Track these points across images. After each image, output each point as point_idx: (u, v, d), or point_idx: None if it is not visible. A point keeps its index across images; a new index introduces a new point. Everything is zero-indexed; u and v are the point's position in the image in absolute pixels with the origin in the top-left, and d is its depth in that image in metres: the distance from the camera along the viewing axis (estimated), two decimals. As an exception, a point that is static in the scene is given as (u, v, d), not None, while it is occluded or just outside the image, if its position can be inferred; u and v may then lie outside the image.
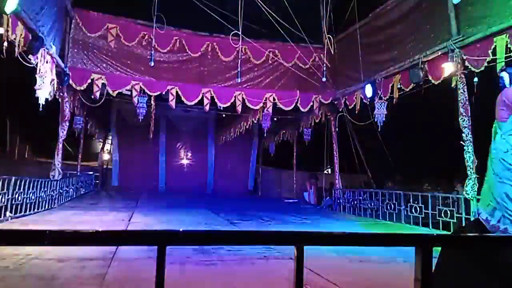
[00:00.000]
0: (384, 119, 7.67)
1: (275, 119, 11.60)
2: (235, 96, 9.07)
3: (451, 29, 5.97)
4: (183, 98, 8.83)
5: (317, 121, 10.59)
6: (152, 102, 10.70)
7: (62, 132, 8.02)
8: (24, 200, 6.06)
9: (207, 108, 9.22)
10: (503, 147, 3.49)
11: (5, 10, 4.77)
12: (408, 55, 6.90)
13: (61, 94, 7.95)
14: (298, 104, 9.43)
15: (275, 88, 9.43)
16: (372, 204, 8.11)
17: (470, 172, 5.58)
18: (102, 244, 1.11)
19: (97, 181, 13.45)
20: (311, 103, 9.53)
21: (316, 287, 2.84)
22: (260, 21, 8.48)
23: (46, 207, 7.05)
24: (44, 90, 6.35)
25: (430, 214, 6.39)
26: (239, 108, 9.32)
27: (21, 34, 5.52)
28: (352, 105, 8.74)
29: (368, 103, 8.05)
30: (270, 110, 9.54)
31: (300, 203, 11.61)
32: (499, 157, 3.48)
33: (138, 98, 8.69)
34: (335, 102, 9.51)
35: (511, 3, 5.10)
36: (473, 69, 5.60)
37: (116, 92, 8.53)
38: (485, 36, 5.40)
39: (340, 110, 9.41)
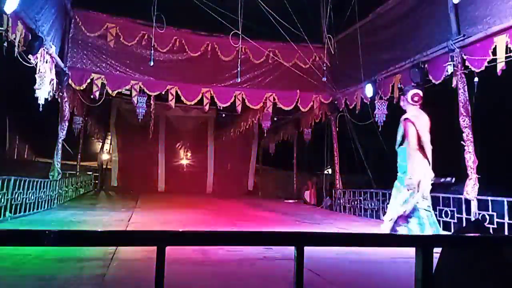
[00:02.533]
0: (384, 118, 7.67)
1: (275, 119, 11.60)
2: (235, 96, 9.07)
3: (451, 29, 5.96)
4: (182, 98, 8.83)
5: (317, 121, 10.57)
6: (152, 102, 10.69)
7: (62, 132, 8.01)
8: (24, 200, 6.06)
9: (206, 108, 9.22)
10: None
11: (5, 10, 4.76)
12: (408, 55, 6.90)
13: (61, 94, 7.94)
14: (298, 104, 9.42)
15: (275, 88, 9.42)
16: (373, 204, 8.11)
17: (471, 172, 5.58)
18: (102, 244, 1.11)
19: (97, 181, 13.45)
20: (311, 103, 9.53)
21: (316, 287, 2.83)
22: (260, 21, 8.46)
23: (46, 207, 7.05)
24: (44, 90, 6.34)
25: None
26: (239, 108, 9.32)
27: (20, 34, 5.51)
28: (353, 105, 8.74)
29: (368, 103, 8.05)
30: (270, 110, 9.54)
31: (300, 203, 11.60)
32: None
33: (137, 98, 8.68)
34: (335, 102, 9.51)
35: (511, 3, 5.10)
36: (473, 69, 5.60)
37: (116, 92, 8.53)
38: (485, 36, 5.39)
39: (340, 110, 9.41)
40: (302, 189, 12.31)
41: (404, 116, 4.55)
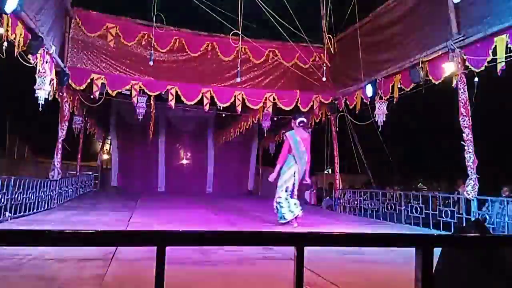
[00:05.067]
0: (384, 119, 7.66)
1: (275, 119, 11.60)
2: (235, 96, 9.06)
3: (451, 29, 5.96)
4: (182, 98, 8.81)
5: (317, 121, 10.57)
6: (152, 102, 10.69)
7: (62, 132, 8.01)
8: (24, 200, 6.06)
9: (206, 108, 9.20)
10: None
11: (5, 10, 4.76)
12: (408, 55, 6.89)
13: (61, 94, 7.94)
14: (298, 104, 9.41)
15: (275, 88, 9.41)
16: (373, 204, 8.11)
17: (471, 172, 5.58)
18: (102, 245, 1.10)
19: (97, 181, 13.44)
20: (311, 103, 9.51)
21: (316, 287, 2.83)
22: (260, 21, 8.46)
23: (46, 207, 7.05)
24: (44, 90, 6.34)
25: (430, 215, 6.39)
26: (239, 108, 9.30)
27: (20, 34, 5.51)
28: (353, 105, 8.74)
29: (368, 103, 8.04)
30: (270, 110, 9.53)
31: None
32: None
33: (137, 98, 8.68)
34: (335, 102, 9.50)
35: (511, 3, 5.10)
36: (473, 69, 5.60)
37: (116, 92, 8.51)
38: (485, 36, 5.39)
39: (341, 110, 9.41)
40: (302, 189, 12.30)
41: (286, 133, 6.47)
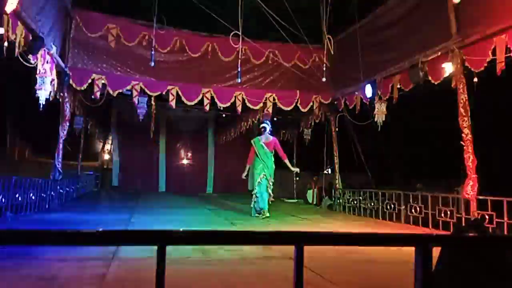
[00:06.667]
0: (384, 119, 7.66)
1: (275, 119, 11.60)
2: (235, 96, 9.06)
3: (451, 29, 5.96)
4: (183, 98, 8.82)
5: (317, 121, 10.57)
6: (152, 102, 10.69)
7: (63, 132, 8.02)
8: (24, 200, 6.06)
9: (207, 108, 9.21)
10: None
11: (6, 10, 4.77)
12: (408, 55, 6.89)
13: (62, 94, 7.95)
14: (298, 104, 9.42)
15: (275, 88, 9.42)
16: (372, 204, 8.11)
17: (470, 172, 5.58)
18: (102, 244, 1.11)
19: (97, 181, 13.46)
20: (311, 103, 9.52)
21: (316, 286, 2.84)
22: (260, 21, 8.46)
23: (46, 207, 7.06)
24: (45, 90, 6.35)
25: (430, 214, 6.39)
26: (239, 108, 9.31)
27: (21, 34, 5.51)
28: (352, 105, 8.74)
29: (368, 103, 8.05)
30: (270, 110, 9.53)
31: (300, 203, 11.61)
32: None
33: (138, 98, 8.68)
34: (335, 102, 9.50)
35: (511, 3, 5.10)
36: (473, 69, 5.60)
37: (116, 92, 8.52)
38: (485, 36, 5.39)
39: (340, 110, 9.41)
40: (305, 188, 12.31)
41: (251, 140, 7.54)
